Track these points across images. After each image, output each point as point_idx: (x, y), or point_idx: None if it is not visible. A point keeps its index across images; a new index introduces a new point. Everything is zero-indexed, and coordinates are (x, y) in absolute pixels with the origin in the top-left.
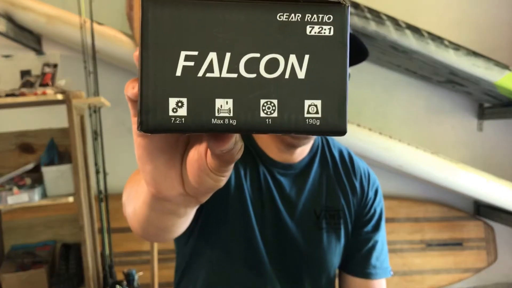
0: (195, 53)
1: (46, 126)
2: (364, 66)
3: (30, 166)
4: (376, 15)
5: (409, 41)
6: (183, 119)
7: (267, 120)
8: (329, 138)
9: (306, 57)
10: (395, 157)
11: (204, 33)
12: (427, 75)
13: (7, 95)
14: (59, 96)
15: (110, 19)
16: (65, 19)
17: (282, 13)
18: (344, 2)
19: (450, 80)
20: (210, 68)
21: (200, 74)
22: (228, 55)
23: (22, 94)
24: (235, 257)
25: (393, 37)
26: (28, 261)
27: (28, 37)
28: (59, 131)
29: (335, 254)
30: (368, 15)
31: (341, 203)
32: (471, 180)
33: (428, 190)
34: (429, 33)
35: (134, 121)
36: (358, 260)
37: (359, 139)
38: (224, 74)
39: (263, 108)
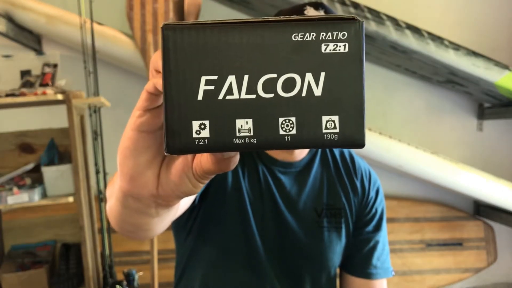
0: (215, 77)
1: (46, 126)
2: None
3: (30, 166)
4: (376, 15)
5: (409, 41)
6: (206, 140)
7: (286, 137)
8: None
9: (322, 74)
10: (395, 157)
11: (222, 57)
12: (427, 75)
13: (7, 95)
14: (59, 96)
15: (110, 19)
16: (65, 19)
17: (297, 34)
18: (358, 18)
19: (450, 80)
20: (229, 91)
21: (220, 97)
22: (246, 77)
23: (22, 94)
24: (233, 256)
25: (393, 37)
26: (28, 261)
27: (28, 37)
28: (59, 131)
29: (336, 252)
30: (368, 15)
31: (342, 202)
32: (471, 180)
33: (428, 190)
34: (429, 33)
35: (138, 114)
36: (359, 260)
37: None
38: (243, 95)
39: (282, 126)
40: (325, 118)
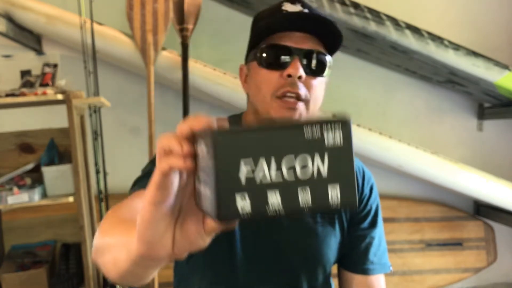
0: (252, 165)
1: (46, 126)
2: (364, 66)
3: (30, 166)
4: (376, 15)
5: (409, 41)
6: (247, 212)
7: (304, 207)
8: None
9: (326, 160)
10: (395, 157)
11: (256, 151)
12: (427, 75)
13: (7, 95)
14: (59, 96)
15: (110, 19)
16: (65, 19)
17: (308, 134)
18: (346, 119)
19: (450, 80)
20: (263, 175)
21: (257, 179)
22: (273, 165)
23: (22, 94)
24: (227, 256)
25: (393, 37)
26: (28, 261)
27: (28, 37)
28: (59, 131)
29: (331, 247)
30: (368, 15)
31: None
32: (471, 180)
33: (428, 190)
34: (429, 33)
35: (152, 189)
36: (356, 257)
37: (359, 139)
38: (274, 179)
39: (301, 198)
40: (330, 187)
